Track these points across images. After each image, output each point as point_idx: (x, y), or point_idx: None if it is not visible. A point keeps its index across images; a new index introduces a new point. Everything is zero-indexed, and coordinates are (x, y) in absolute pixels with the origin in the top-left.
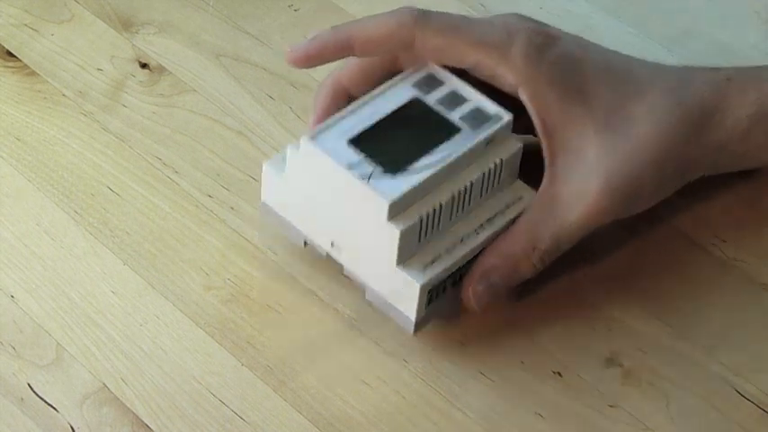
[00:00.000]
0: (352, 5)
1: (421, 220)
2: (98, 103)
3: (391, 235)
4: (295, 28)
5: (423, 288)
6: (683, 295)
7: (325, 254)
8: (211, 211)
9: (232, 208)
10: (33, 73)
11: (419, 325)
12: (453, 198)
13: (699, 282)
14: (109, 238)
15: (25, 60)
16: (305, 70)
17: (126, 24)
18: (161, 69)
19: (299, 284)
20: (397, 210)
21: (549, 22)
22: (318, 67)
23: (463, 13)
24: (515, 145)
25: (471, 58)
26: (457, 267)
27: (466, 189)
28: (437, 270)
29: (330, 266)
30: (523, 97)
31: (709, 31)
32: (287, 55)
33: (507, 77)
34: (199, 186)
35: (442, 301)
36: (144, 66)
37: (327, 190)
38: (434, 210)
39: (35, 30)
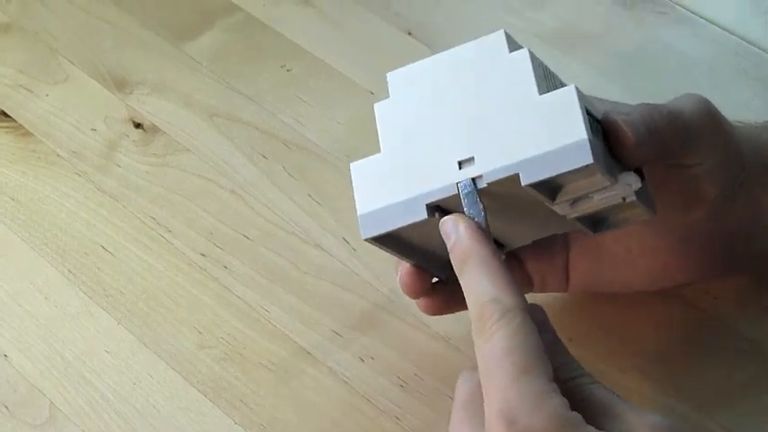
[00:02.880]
0: (344, 65)
1: (541, 63)
2: (92, 162)
3: (520, 60)
4: (288, 88)
5: (579, 92)
6: (674, 352)
7: (454, 189)
8: (205, 269)
9: (225, 267)
10: (28, 133)
11: (595, 150)
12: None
13: (691, 338)
14: (102, 297)
15: (20, 121)
16: (298, 130)
17: (120, 85)
18: (155, 129)
19: (293, 342)
20: (514, 44)
21: None
22: (313, 128)
23: None
24: None
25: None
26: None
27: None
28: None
29: (320, 325)
30: None
31: (698, 90)
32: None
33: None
34: (192, 245)
35: (600, 144)
36: (138, 126)
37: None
38: (549, 70)
39: (30, 90)
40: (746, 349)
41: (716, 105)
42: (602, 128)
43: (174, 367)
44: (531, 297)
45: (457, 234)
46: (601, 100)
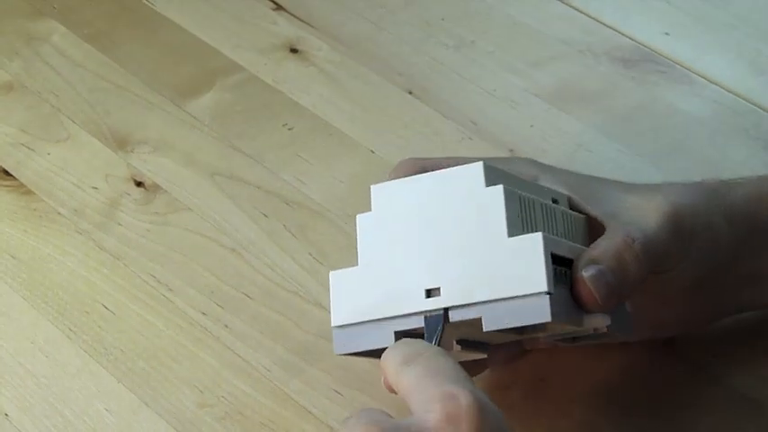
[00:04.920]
0: (345, 124)
1: (519, 196)
2: (93, 221)
3: (494, 197)
4: (289, 147)
5: (545, 241)
6: (670, 409)
7: (421, 322)
8: (205, 328)
9: (226, 326)
10: (29, 191)
11: (555, 305)
12: (543, 206)
13: (687, 395)
14: (103, 356)
15: (21, 179)
16: (299, 189)
17: (121, 143)
18: (156, 188)
19: (293, 402)
20: (493, 176)
21: (540, 140)
22: (314, 187)
23: (457, 134)
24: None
25: None
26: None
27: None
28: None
29: (321, 384)
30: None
31: (697, 149)
32: None
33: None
34: (193, 304)
35: (565, 292)
36: (139, 184)
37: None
38: (528, 199)
39: (31, 149)
40: (744, 407)
41: (715, 165)
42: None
43: (174, 426)
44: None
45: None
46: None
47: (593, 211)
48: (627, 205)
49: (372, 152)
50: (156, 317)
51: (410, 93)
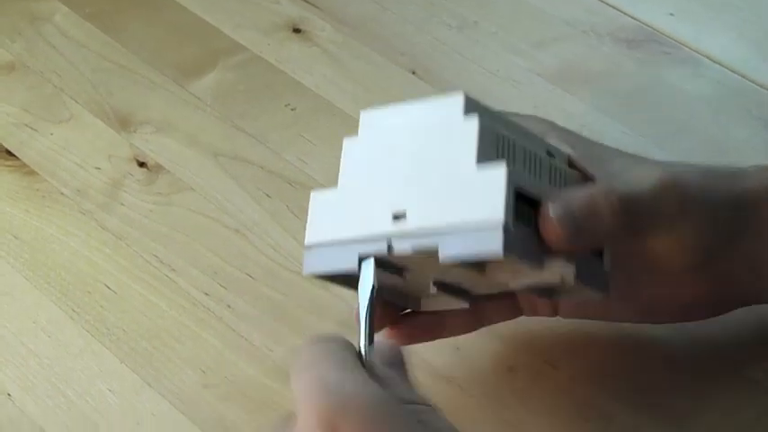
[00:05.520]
0: (348, 104)
1: (499, 134)
2: (96, 201)
3: (468, 127)
4: (292, 127)
5: (510, 174)
6: (680, 391)
7: (385, 247)
8: (208, 308)
9: (229, 306)
10: (32, 172)
11: (510, 240)
12: (528, 153)
13: (696, 377)
14: (106, 336)
15: (24, 159)
16: (302, 169)
17: (124, 124)
18: (159, 168)
19: None
20: (472, 105)
21: None
22: (317, 167)
23: None
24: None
25: None
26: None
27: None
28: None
29: None
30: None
31: (701, 129)
32: None
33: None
34: (196, 284)
35: (528, 232)
36: (142, 164)
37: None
38: (510, 138)
39: (34, 129)
40: (749, 388)
41: (718, 144)
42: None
43: (177, 406)
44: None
45: None
46: (592, 144)
47: (591, 169)
48: (627, 170)
49: None
50: (159, 297)
51: (413, 73)
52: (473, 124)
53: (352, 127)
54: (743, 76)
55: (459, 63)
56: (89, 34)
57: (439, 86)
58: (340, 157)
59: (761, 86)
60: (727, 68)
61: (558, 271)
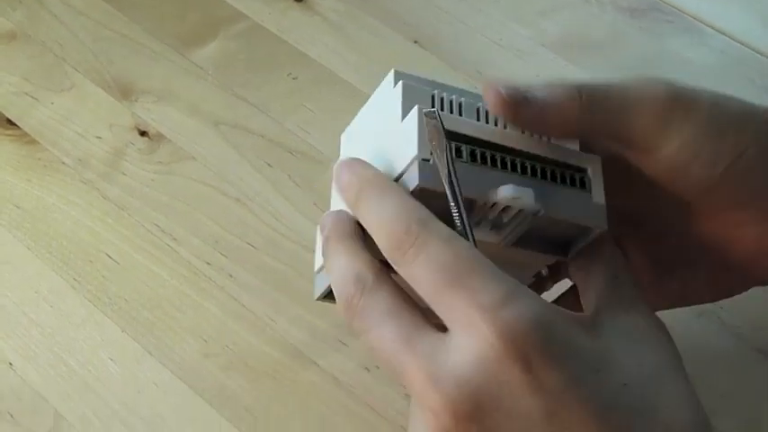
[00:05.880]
0: (350, 74)
1: (433, 95)
2: (97, 170)
3: (396, 91)
4: (293, 96)
5: (421, 110)
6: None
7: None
8: (210, 278)
9: (230, 275)
10: (33, 141)
11: (428, 171)
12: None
13: (699, 347)
14: (107, 306)
15: (25, 128)
16: (304, 139)
17: (125, 93)
18: (160, 137)
19: (298, 352)
20: (401, 77)
21: None
22: (318, 137)
23: (462, 83)
24: None
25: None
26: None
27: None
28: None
29: (325, 334)
30: None
31: None
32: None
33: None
34: (197, 253)
35: (467, 167)
36: (143, 134)
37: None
38: (450, 99)
39: (35, 98)
40: (756, 358)
41: None
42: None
43: (178, 375)
44: None
45: (350, 170)
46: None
47: None
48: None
49: None
50: (161, 266)
51: (416, 42)
52: (398, 88)
53: (353, 96)
54: (746, 45)
55: (461, 32)
56: (90, 3)
57: (441, 56)
58: (341, 126)
59: (763, 55)
60: (730, 37)
61: (506, 196)
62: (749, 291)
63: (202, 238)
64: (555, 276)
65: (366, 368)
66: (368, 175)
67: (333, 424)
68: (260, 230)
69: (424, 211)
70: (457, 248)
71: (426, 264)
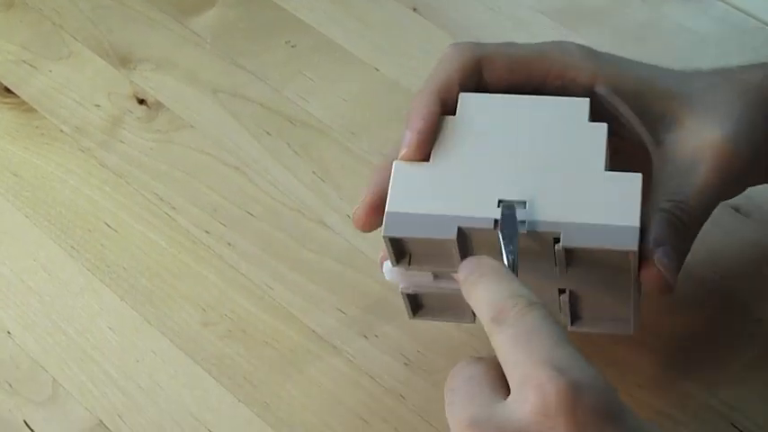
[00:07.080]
0: (349, 42)
1: None
2: (96, 139)
3: (596, 133)
4: (292, 64)
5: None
6: (680, 330)
7: (491, 226)
8: (209, 246)
9: (229, 243)
10: (31, 109)
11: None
12: None
13: (696, 316)
14: (106, 274)
15: (23, 96)
16: (303, 107)
17: (124, 61)
18: (158, 105)
19: (297, 321)
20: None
21: None
22: (317, 105)
23: None
24: None
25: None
26: None
27: None
28: None
29: (324, 303)
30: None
31: (705, 67)
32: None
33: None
34: (196, 222)
35: None
36: (141, 102)
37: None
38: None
39: (33, 66)
40: (754, 328)
41: None
42: None
43: (177, 344)
44: None
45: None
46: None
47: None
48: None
49: (376, 70)
50: (159, 235)
51: (414, 10)
52: (602, 131)
53: (352, 64)
54: (748, 15)
55: (460, 0)
56: None
57: (440, 23)
58: (340, 94)
59: (765, 24)
60: (732, 6)
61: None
62: None
63: (201, 206)
64: None
65: (365, 336)
66: (485, 261)
67: (331, 392)
68: (259, 199)
69: (529, 290)
70: (550, 322)
71: (522, 326)
